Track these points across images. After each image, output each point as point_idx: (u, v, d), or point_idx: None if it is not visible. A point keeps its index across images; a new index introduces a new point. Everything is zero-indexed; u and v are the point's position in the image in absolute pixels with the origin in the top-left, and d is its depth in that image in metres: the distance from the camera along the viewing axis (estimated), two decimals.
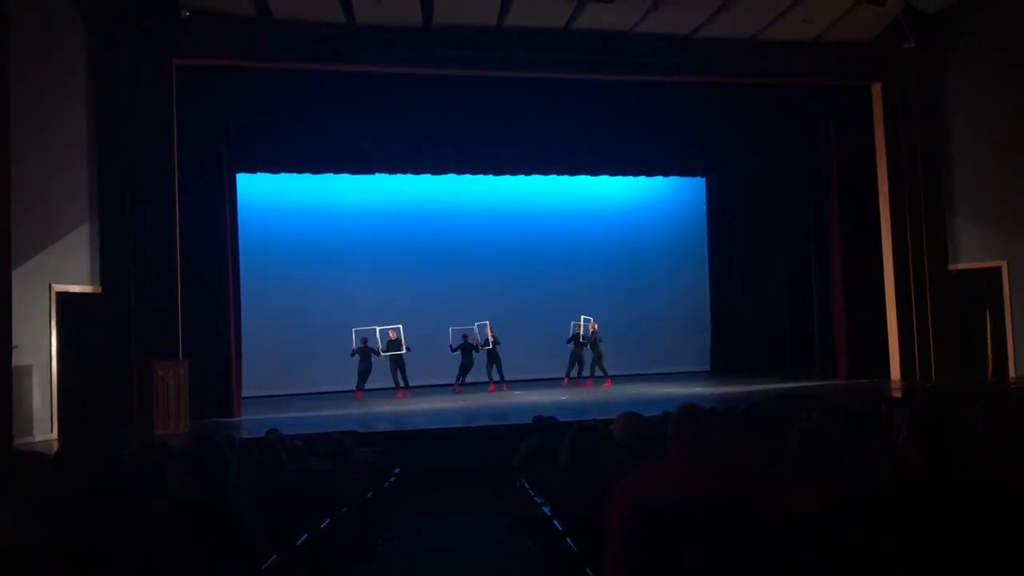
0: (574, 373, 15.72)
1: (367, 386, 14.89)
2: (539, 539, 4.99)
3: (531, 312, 16.78)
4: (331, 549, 4.52)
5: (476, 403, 13.68)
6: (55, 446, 9.99)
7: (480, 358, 15.61)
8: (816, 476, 3.23)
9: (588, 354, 15.75)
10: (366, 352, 14.82)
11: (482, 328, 15.72)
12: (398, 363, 14.95)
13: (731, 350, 17.96)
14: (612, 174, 17.15)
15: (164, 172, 11.80)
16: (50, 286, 10.74)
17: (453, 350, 15.48)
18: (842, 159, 14.82)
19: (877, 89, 14.41)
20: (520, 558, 6.03)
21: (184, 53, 12.05)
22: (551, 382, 16.09)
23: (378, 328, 15.22)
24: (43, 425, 10.56)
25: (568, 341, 15.72)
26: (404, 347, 14.93)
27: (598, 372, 15.75)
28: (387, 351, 14.94)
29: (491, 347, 15.48)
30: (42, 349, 10.65)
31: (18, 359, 10.03)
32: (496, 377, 15.49)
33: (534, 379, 16.33)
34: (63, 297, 10.94)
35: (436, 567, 6.57)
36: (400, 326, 15.15)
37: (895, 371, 14.16)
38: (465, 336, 15.55)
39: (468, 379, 15.56)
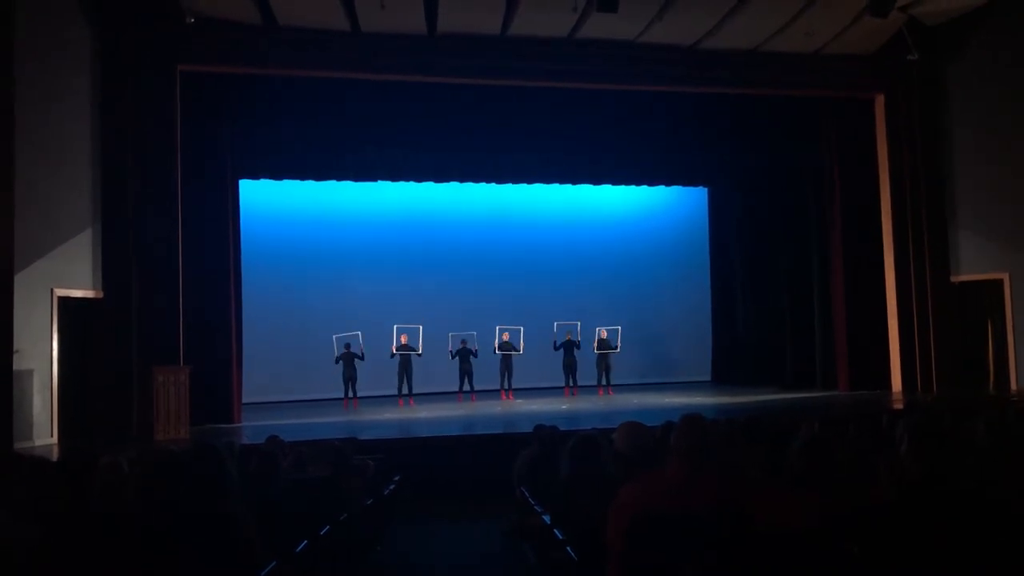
0: (603, 381, 15.86)
1: (361, 393, 14.93)
2: (538, 548, 4.98)
3: (531, 321, 16.76)
4: (330, 556, 4.51)
5: (477, 411, 13.66)
6: (55, 451, 10.00)
7: (492, 365, 15.63)
8: (817, 488, 3.22)
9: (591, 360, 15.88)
10: (349, 357, 14.85)
11: (501, 332, 15.75)
12: (406, 368, 14.98)
13: (732, 360, 17.94)
14: (614, 183, 17.15)
15: (167, 177, 11.82)
16: (52, 291, 10.75)
17: (453, 356, 15.52)
18: (844, 169, 14.83)
19: (880, 101, 14.44)
20: (519, 567, 6.02)
21: (188, 59, 12.09)
22: (551, 391, 16.09)
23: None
24: (43, 429, 10.55)
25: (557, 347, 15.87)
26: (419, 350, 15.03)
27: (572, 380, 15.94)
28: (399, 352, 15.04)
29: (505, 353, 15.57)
30: (43, 353, 10.65)
31: (19, 363, 10.03)
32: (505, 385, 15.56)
33: (534, 388, 16.31)
34: (65, 302, 10.95)
35: (435, 574, 6.55)
36: (420, 327, 15.25)
37: (896, 383, 14.15)
38: (464, 342, 15.58)
39: (477, 387, 15.53)
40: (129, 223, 11.56)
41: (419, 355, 15.05)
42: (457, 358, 15.47)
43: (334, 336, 14.99)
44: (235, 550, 3.09)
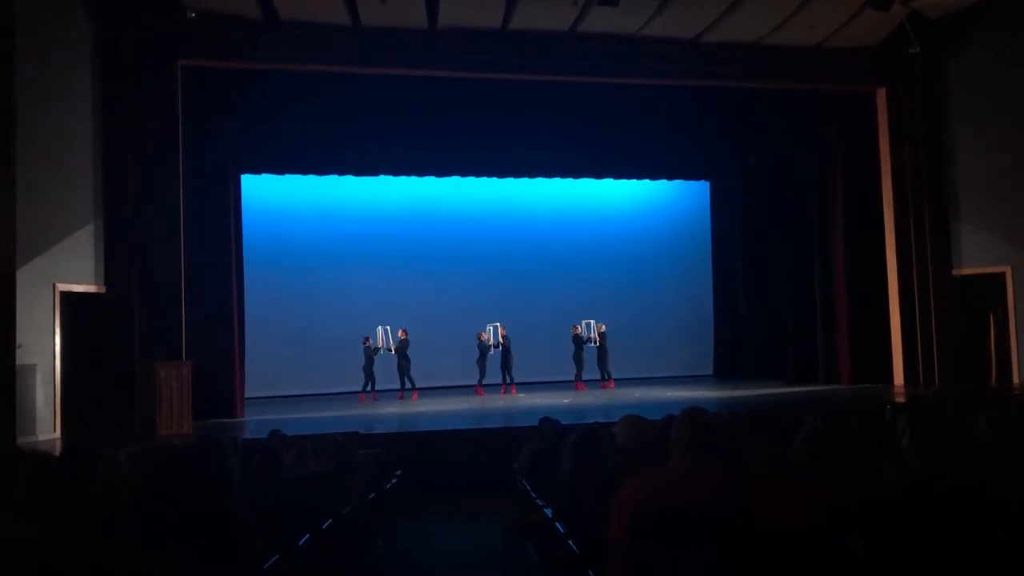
0: (585, 376, 15.82)
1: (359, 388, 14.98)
2: (539, 542, 4.98)
3: (534, 315, 16.78)
4: (332, 551, 4.52)
5: (479, 406, 13.67)
6: (58, 445, 10.00)
7: (493, 359, 15.66)
8: (819, 482, 3.22)
9: (590, 355, 15.86)
10: (369, 352, 14.87)
11: (495, 329, 15.78)
12: (405, 364, 15.03)
13: (734, 354, 17.93)
14: (616, 177, 17.14)
15: (168, 172, 11.83)
16: (54, 285, 10.76)
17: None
18: (846, 163, 14.80)
19: (881, 94, 14.40)
20: (520, 562, 6.02)
21: (189, 54, 12.08)
22: (554, 384, 16.10)
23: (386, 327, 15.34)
24: (46, 424, 10.57)
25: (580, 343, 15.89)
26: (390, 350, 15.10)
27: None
28: (397, 350, 15.09)
29: (501, 348, 15.57)
30: (46, 348, 10.66)
31: (22, 358, 10.04)
32: (507, 379, 15.58)
33: (537, 382, 16.32)
34: (67, 296, 10.96)
35: (436, 570, 6.56)
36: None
37: (898, 376, 14.14)
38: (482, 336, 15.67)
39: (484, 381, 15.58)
40: (131, 218, 11.57)
41: (392, 352, 15.10)
42: (479, 353, 15.54)
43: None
44: (235, 548, 3.09)
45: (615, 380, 15.84)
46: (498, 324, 15.78)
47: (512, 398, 14.71)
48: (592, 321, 16.07)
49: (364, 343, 14.92)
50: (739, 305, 18.03)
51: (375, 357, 14.89)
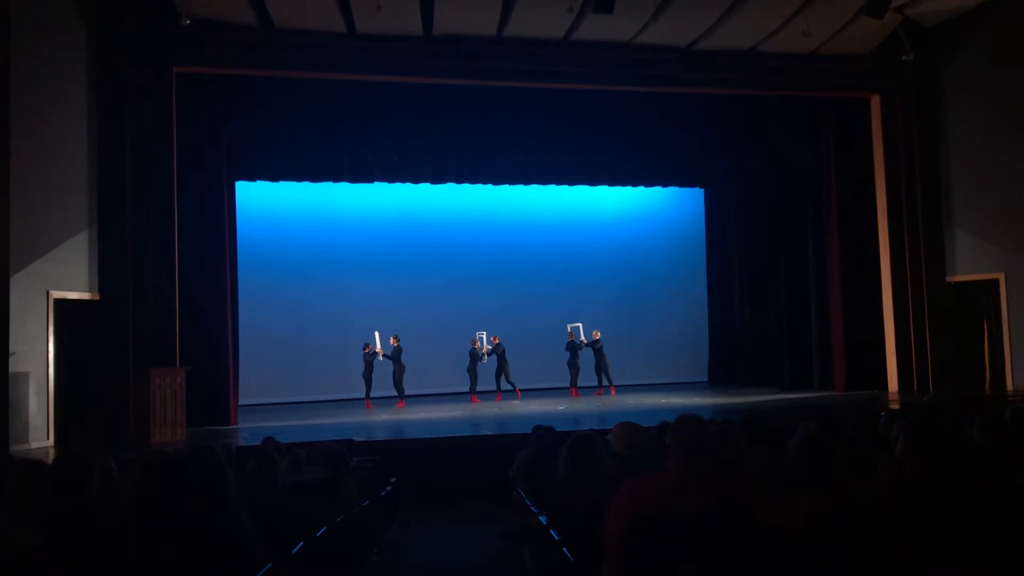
0: (603, 381, 15.87)
1: (353, 395, 14.93)
2: (534, 549, 4.97)
3: (529, 322, 16.78)
4: (326, 558, 4.51)
5: (473, 413, 13.65)
6: (51, 453, 9.97)
7: (487, 367, 15.65)
8: (814, 488, 3.22)
9: (585, 361, 15.86)
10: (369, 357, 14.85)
11: (483, 338, 15.78)
12: (402, 370, 15.02)
13: (729, 361, 17.95)
14: (611, 184, 17.17)
15: (163, 179, 11.80)
16: (48, 293, 10.73)
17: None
18: (841, 170, 14.84)
19: (875, 101, 14.45)
20: (516, 568, 6.01)
21: (184, 61, 12.07)
22: (549, 391, 16.08)
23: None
24: (39, 432, 10.53)
25: (566, 348, 15.87)
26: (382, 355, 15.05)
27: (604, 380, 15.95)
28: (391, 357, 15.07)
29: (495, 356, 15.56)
30: (39, 356, 10.63)
31: (15, 366, 10.00)
32: (504, 386, 15.55)
33: (532, 389, 16.30)
34: (61, 304, 10.92)
35: None
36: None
37: (893, 383, 14.16)
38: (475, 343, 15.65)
39: (477, 388, 15.55)
40: (125, 225, 11.53)
41: (382, 358, 15.04)
42: (470, 360, 15.51)
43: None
44: (232, 553, 3.08)
45: (608, 387, 15.85)
46: (484, 333, 15.74)
47: (508, 405, 14.67)
48: (579, 325, 16.09)
49: (364, 349, 14.89)
50: (734, 312, 18.05)
51: (374, 363, 14.86)
